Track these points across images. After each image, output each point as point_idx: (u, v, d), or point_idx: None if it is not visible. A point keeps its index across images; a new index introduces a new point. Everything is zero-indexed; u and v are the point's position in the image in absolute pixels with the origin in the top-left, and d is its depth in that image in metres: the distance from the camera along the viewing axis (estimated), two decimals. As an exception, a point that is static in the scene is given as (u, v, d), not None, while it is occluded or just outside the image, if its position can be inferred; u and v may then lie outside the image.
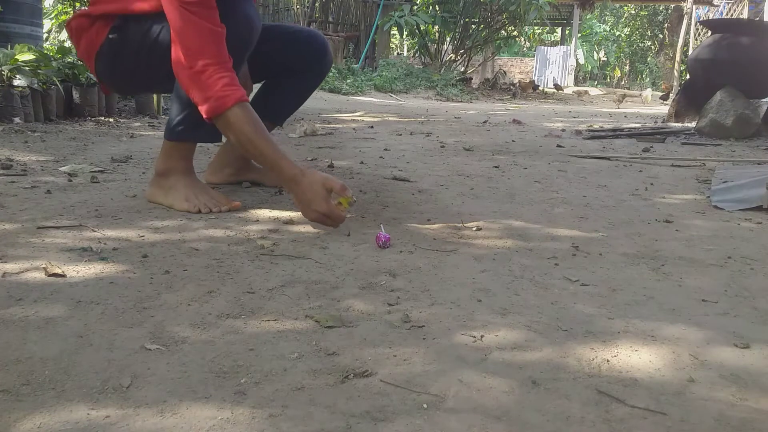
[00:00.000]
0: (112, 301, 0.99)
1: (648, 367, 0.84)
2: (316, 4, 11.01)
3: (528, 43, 21.97)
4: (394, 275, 1.16)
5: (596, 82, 19.74)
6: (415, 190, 1.97)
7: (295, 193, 1.42)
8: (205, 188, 1.64)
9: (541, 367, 0.82)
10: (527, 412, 0.72)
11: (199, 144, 1.80)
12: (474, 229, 1.51)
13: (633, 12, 20.90)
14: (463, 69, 11.06)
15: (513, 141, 3.55)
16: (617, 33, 22.18)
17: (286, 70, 1.81)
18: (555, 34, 21.07)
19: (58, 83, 3.23)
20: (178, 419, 0.68)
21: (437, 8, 10.62)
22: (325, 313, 0.97)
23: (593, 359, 0.85)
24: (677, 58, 11.87)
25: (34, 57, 3.19)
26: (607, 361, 0.85)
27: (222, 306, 0.99)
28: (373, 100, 7.40)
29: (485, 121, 4.90)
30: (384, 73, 9.04)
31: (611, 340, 0.91)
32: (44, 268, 1.09)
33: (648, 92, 10.96)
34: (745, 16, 10.85)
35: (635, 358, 0.86)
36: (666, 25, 18.76)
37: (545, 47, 17.28)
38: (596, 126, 4.71)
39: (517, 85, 11.03)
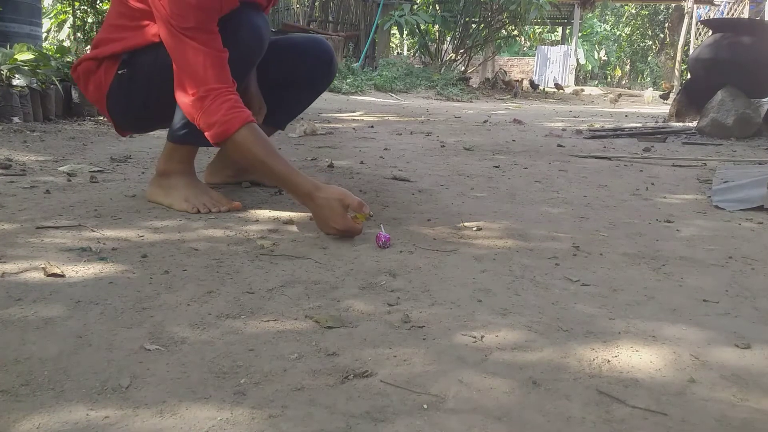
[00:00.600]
0: (112, 301, 0.98)
1: (649, 367, 0.83)
2: (316, 4, 11.01)
3: (528, 43, 21.96)
4: (394, 275, 1.16)
5: (597, 82, 19.73)
6: (415, 190, 1.97)
7: (311, 208, 1.39)
8: (205, 188, 1.63)
9: (542, 368, 0.82)
10: (528, 412, 0.72)
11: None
12: (474, 229, 1.51)
13: (634, 11, 20.90)
14: (463, 68, 11.06)
15: (513, 140, 3.55)
16: (618, 32, 22.19)
17: (293, 83, 1.81)
18: (555, 33, 21.07)
19: (57, 83, 3.23)
20: (178, 420, 0.68)
21: (437, 7, 10.62)
22: (325, 314, 0.97)
23: (594, 359, 0.85)
24: (678, 58, 11.87)
25: (33, 56, 3.19)
26: (608, 361, 0.85)
27: (222, 306, 0.99)
28: (373, 99, 7.40)
29: (485, 121, 4.89)
30: (384, 73, 9.04)
31: (612, 340, 0.91)
32: (43, 268, 1.09)
33: (649, 92, 10.95)
34: (745, 15, 10.85)
35: (636, 358, 0.86)
36: (667, 24, 18.77)
37: (546, 47, 17.27)
38: (597, 125, 4.70)
39: (516, 83, 11.02)
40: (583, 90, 11.76)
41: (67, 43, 6.58)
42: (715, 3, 12.34)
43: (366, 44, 10.29)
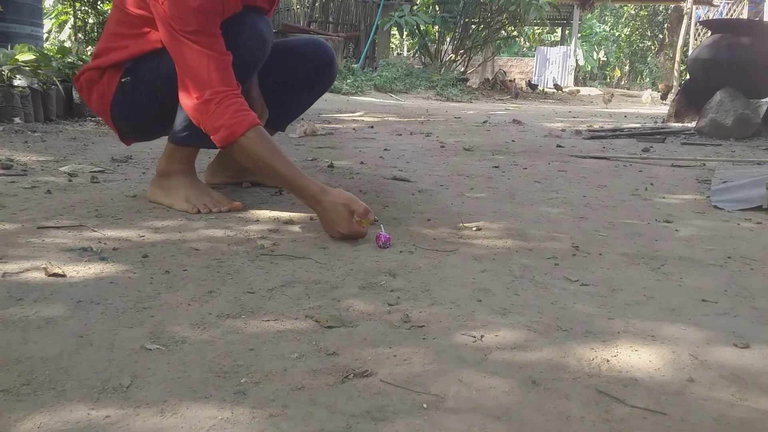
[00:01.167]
0: (113, 301, 0.99)
1: (648, 367, 0.84)
2: (316, 4, 11.01)
3: (528, 43, 21.98)
4: (394, 275, 1.16)
5: (596, 82, 19.74)
6: (415, 190, 1.97)
7: (317, 211, 1.39)
8: (205, 189, 1.64)
9: (541, 367, 0.82)
10: (527, 411, 0.72)
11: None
12: (474, 229, 1.51)
13: (633, 12, 20.91)
14: (463, 69, 11.07)
15: (513, 141, 3.55)
16: (617, 33, 22.20)
17: (293, 86, 1.81)
18: (555, 34, 21.08)
19: (58, 83, 3.23)
20: (179, 419, 0.68)
21: (437, 8, 10.63)
22: (325, 313, 0.97)
23: (593, 359, 0.85)
24: (677, 58, 11.88)
25: (34, 57, 3.19)
26: (607, 361, 0.85)
27: (222, 306, 0.99)
28: (373, 100, 7.40)
29: (485, 121, 4.90)
30: (384, 73, 9.05)
31: (611, 340, 0.91)
32: (44, 268, 1.09)
33: (648, 93, 10.95)
34: (744, 16, 10.85)
35: (635, 358, 0.86)
36: (666, 25, 18.78)
37: (545, 47, 17.28)
38: (596, 126, 4.71)
39: (511, 82, 11.02)
40: (578, 91, 11.77)
41: (68, 44, 6.58)
42: (714, 4, 12.34)
43: (366, 45, 10.29)
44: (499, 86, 10.88)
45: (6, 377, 0.75)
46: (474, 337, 0.91)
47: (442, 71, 10.18)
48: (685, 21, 12.38)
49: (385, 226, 1.41)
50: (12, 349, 0.82)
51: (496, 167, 2.51)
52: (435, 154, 2.89)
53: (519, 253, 1.33)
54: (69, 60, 3.54)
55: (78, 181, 1.88)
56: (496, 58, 14.97)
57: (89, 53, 4.68)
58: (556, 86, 12.18)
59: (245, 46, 1.48)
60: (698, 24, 11.24)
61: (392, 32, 11.78)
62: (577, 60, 16.35)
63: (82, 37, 6.14)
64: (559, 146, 3.35)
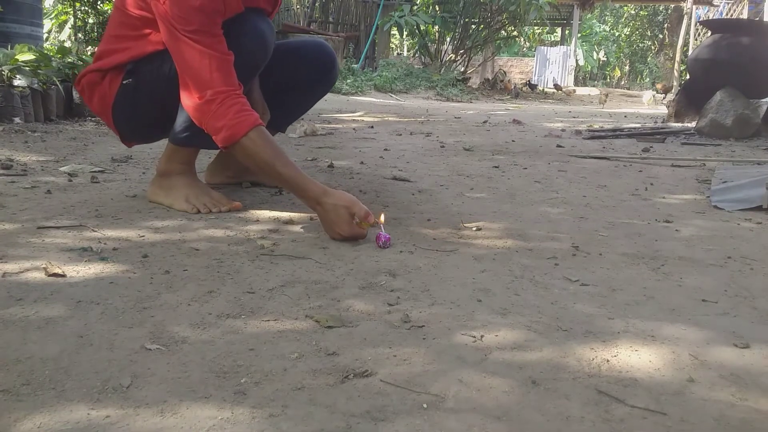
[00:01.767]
0: (113, 301, 0.99)
1: (648, 367, 0.84)
2: (316, 4, 11.01)
3: (528, 43, 21.97)
4: (394, 275, 1.16)
5: (596, 82, 19.74)
6: (415, 190, 1.97)
7: (318, 213, 1.39)
8: (205, 189, 1.64)
9: (541, 367, 0.82)
10: (527, 412, 0.72)
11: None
12: (474, 229, 1.51)
13: (633, 12, 20.91)
14: (463, 69, 11.06)
15: (513, 141, 3.55)
16: (617, 33, 22.20)
17: (294, 87, 1.81)
18: (555, 34, 21.07)
19: (58, 83, 3.23)
20: (179, 419, 0.68)
21: (437, 8, 10.62)
22: (325, 313, 0.97)
23: (593, 359, 0.85)
24: (677, 58, 11.88)
25: (35, 57, 3.19)
26: (607, 361, 0.85)
27: (222, 306, 0.99)
28: (373, 100, 7.40)
29: (485, 121, 4.90)
30: (384, 73, 9.04)
31: (611, 340, 0.91)
32: (44, 268, 1.09)
33: (647, 94, 10.93)
34: (744, 16, 10.85)
35: (635, 358, 0.86)
36: (666, 25, 18.78)
37: (545, 47, 17.27)
38: (596, 126, 4.71)
39: (512, 84, 11.03)
40: (575, 90, 11.78)
41: (68, 44, 6.58)
42: (714, 4, 12.34)
43: (366, 45, 10.29)
44: (499, 86, 10.89)
45: (6, 377, 0.75)
46: (474, 337, 0.91)
47: (442, 71, 10.18)
48: (685, 21, 12.38)
49: (385, 226, 1.41)
50: (12, 349, 0.82)
51: (496, 167, 2.51)
52: (435, 154, 2.89)
53: (519, 253, 1.33)
54: (69, 60, 3.54)
55: (78, 181, 1.88)
56: (496, 58, 14.98)
57: (89, 53, 4.68)
58: (556, 86, 12.19)
59: (247, 47, 1.48)
60: (698, 24, 11.24)
61: (392, 32, 11.78)
62: (577, 60, 16.35)
63: (82, 37, 6.14)
64: (559, 146, 3.35)
